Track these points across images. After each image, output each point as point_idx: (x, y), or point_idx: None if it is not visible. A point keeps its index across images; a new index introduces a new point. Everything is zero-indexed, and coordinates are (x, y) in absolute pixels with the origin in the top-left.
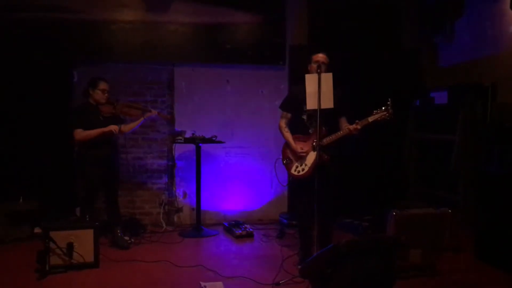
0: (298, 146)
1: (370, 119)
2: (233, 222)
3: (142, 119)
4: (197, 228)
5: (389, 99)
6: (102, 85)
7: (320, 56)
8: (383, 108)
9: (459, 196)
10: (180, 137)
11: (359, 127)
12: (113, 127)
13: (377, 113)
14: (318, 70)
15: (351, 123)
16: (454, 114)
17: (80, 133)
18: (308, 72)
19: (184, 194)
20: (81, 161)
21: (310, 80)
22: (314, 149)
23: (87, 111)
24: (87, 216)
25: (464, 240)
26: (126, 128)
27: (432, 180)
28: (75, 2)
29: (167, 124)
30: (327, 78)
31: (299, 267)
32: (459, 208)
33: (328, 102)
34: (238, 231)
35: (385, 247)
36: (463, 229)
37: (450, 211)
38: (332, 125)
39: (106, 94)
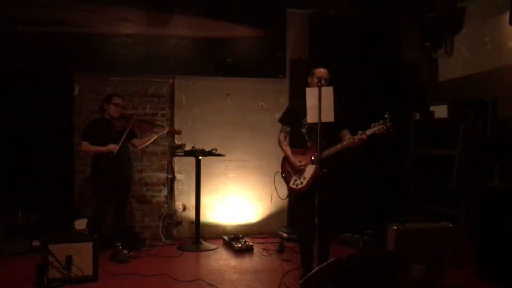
0: (297, 160)
1: (368, 132)
2: (233, 236)
3: (155, 135)
4: (197, 241)
5: (387, 112)
6: (116, 100)
7: (322, 72)
8: (380, 121)
9: (460, 211)
10: (180, 150)
11: (365, 136)
12: (111, 147)
13: (374, 126)
14: (319, 84)
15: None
16: (454, 128)
17: (84, 146)
18: (308, 86)
19: (184, 207)
20: (94, 173)
21: (311, 94)
22: (312, 162)
23: (100, 125)
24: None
25: (465, 256)
26: (139, 143)
27: (433, 195)
28: (77, 16)
29: (167, 137)
30: (328, 92)
31: (300, 281)
32: (460, 223)
33: (328, 116)
34: (238, 245)
35: (387, 262)
36: (464, 244)
37: (451, 225)
38: (331, 139)
39: (119, 109)
